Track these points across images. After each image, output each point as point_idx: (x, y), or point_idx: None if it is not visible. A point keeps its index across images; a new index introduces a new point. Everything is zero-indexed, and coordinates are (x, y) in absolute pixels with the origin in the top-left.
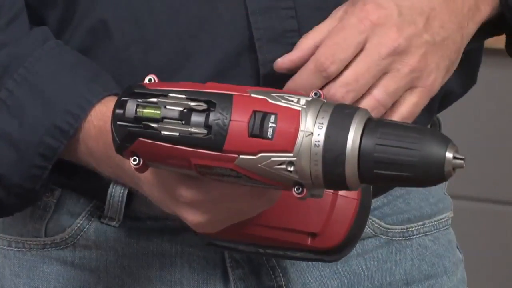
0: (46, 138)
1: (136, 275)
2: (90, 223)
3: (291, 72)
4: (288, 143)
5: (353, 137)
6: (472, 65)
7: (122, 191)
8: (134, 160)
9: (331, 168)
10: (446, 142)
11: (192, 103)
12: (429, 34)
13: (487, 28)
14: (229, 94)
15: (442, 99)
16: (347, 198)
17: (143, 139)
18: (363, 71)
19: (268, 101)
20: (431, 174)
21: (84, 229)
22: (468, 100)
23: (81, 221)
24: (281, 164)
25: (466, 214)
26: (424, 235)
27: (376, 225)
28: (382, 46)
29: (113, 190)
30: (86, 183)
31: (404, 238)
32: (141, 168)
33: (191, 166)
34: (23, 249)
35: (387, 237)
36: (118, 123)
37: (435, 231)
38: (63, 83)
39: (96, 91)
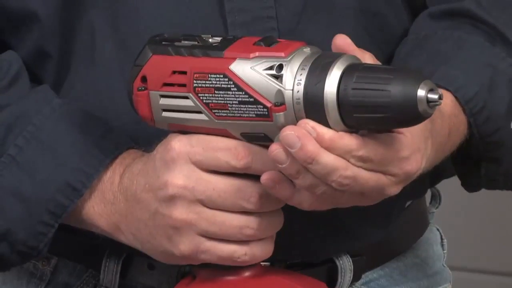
0: (58, 195)
1: None
2: None
3: None
4: (284, 49)
5: (330, 87)
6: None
7: (117, 260)
8: (140, 88)
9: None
10: (418, 80)
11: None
12: None
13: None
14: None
15: (434, 174)
16: None
17: (157, 55)
18: None
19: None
20: (406, 114)
21: None
22: None
23: None
24: (270, 68)
25: (466, 285)
26: None
27: None
28: None
29: (108, 259)
30: (82, 252)
31: None
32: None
33: (191, 77)
34: None
35: None
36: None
37: None
38: (74, 141)
39: (109, 150)
